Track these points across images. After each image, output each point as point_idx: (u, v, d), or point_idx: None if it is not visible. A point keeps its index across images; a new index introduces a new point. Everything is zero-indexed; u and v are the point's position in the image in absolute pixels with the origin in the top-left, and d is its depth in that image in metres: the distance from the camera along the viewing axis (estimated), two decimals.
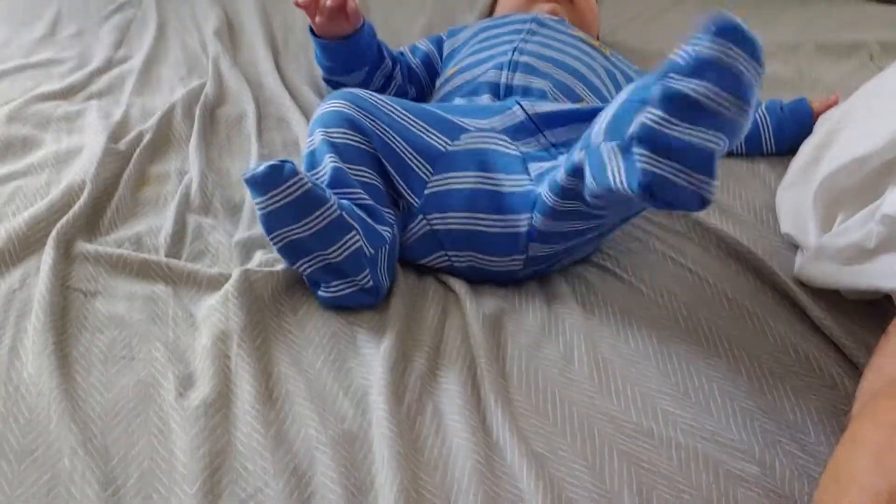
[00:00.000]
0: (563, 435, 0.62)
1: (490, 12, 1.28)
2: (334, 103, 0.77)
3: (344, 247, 0.69)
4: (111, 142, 0.90)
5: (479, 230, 0.74)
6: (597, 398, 0.65)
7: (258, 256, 0.76)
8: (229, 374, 0.64)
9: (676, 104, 0.55)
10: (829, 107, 1.00)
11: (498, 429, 0.61)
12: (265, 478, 0.56)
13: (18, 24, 1.22)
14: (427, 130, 0.78)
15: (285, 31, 1.26)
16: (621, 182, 0.58)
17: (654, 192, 0.56)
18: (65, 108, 0.99)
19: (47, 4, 1.28)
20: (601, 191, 0.62)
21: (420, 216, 0.76)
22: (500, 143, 0.78)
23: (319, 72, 1.07)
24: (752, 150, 1.00)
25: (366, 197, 0.73)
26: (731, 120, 0.56)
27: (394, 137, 0.76)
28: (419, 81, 1.07)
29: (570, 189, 0.67)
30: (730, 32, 0.55)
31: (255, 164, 0.90)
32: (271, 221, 0.68)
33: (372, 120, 0.76)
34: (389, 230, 0.73)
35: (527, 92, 0.87)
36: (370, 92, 0.80)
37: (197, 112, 0.99)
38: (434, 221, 0.75)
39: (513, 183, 0.75)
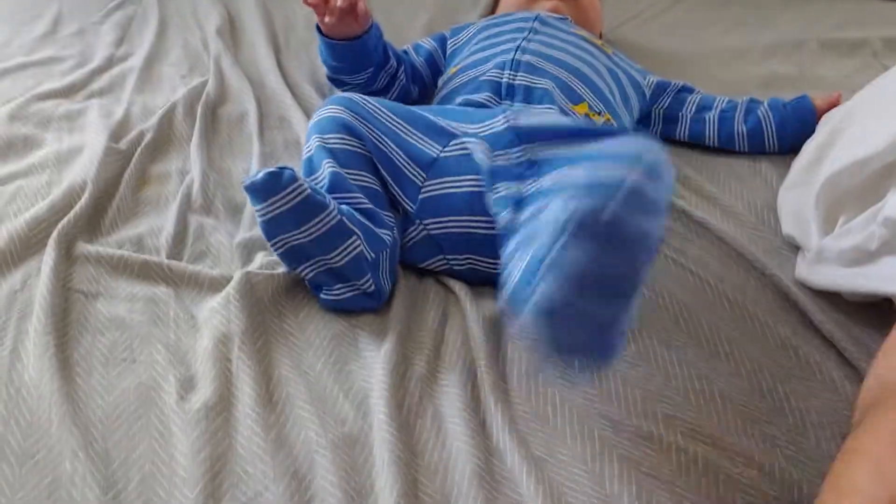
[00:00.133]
0: (562, 438, 0.62)
1: (493, 9, 1.27)
2: (330, 109, 0.78)
3: (345, 252, 0.69)
4: (112, 141, 0.90)
5: (477, 233, 0.74)
6: (597, 402, 0.65)
7: (259, 258, 0.76)
8: (230, 377, 0.64)
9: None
10: (831, 104, 0.99)
11: (498, 432, 0.61)
12: (265, 481, 0.56)
13: (20, 23, 1.21)
14: (418, 137, 0.78)
15: (287, 29, 1.25)
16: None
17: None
18: (66, 106, 0.99)
19: (49, 2, 1.28)
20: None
21: (416, 221, 0.76)
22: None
23: (321, 69, 1.07)
24: (755, 147, 1.00)
25: (365, 201, 0.73)
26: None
27: (387, 143, 0.77)
28: (422, 80, 1.07)
29: None
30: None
31: (255, 168, 0.90)
32: (271, 228, 0.68)
33: (366, 125, 0.77)
34: (390, 233, 0.73)
35: (528, 91, 0.87)
36: (364, 97, 0.80)
37: (199, 111, 0.99)
38: (431, 226, 0.76)
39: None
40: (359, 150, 0.76)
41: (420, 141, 0.78)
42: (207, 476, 0.56)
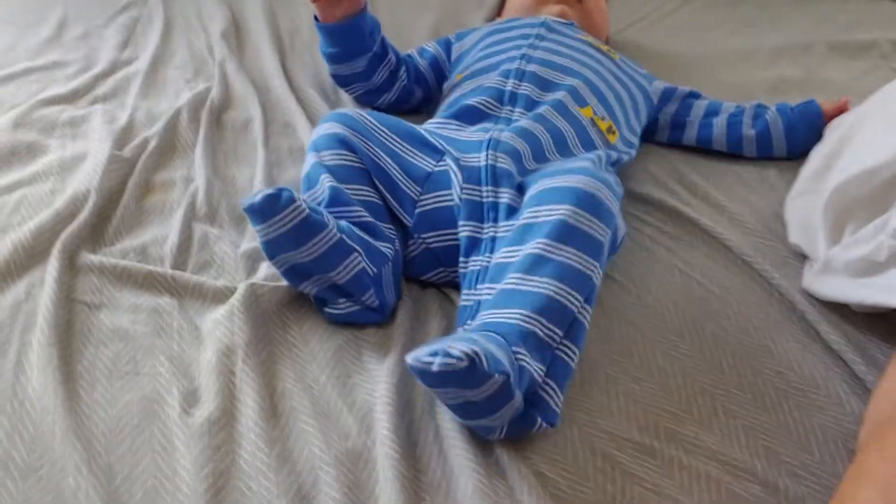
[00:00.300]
0: (563, 453, 0.61)
1: (499, 11, 1.27)
2: (326, 126, 0.78)
3: (346, 269, 0.69)
4: (116, 148, 0.90)
5: None
6: (598, 416, 0.65)
7: (264, 268, 0.76)
8: (233, 391, 0.64)
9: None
10: (838, 108, 0.99)
11: (499, 448, 0.61)
12: (269, 498, 0.56)
13: (25, 26, 1.21)
14: (413, 152, 0.79)
15: (292, 32, 1.25)
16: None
17: None
18: (70, 112, 0.99)
19: (53, 6, 1.28)
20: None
21: (415, 235, 0.76)
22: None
23: (326, 72, 1.07)
24: (764, 151, 1.00)
25: (365, 214, 0.73)
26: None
27: (383, 158, 0.77)
28: (426, 83, 1.06)
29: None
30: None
31: (259, 176, 0.90)
32: (272, 248, 0.68)
33: (363, 140, 0.77)
34: (391, 246, 0.73)
35: (531, 101, 0.87)
36: (360, 112, 0.80)
37: (203, 117, 0.99)
38: (429, 239, 0.76)
39: (508, 195, 0.74)
40: (356, 164, 0.76)
41: (415, 156, 0.78)
42: (210, 492, 0.56)
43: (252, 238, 0.81)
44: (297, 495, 0.57)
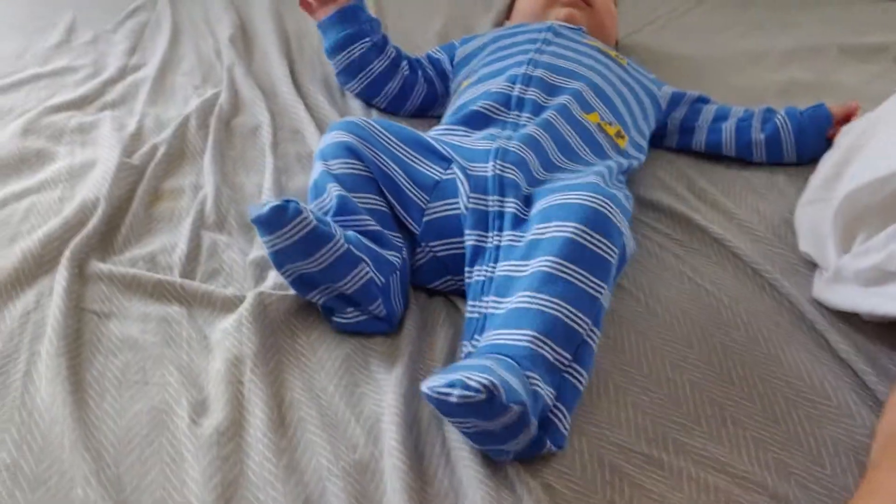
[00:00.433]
0: (571, 465, 0.61)
1: (507, 15, 1.27)
2: (334, 135, 0.78)
3: (354, 279, 0.69)
4: (125, 156, 0.90)
5: None
6: (607, 428, 0.64)
7: (272, 276, 0.76)
8: (242, 401, 0.64)
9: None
10: (847, 112, 0.99)
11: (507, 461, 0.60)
12: None
13: (34, 31, 1.22)
14: (420, 160, 0.79)
15: (299, 36, 1.25)
16: None
17: None
18: (78, 118, 0.99)
19: (63, 11, 1.28)
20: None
21: (422, 243, 0.76)
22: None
23: (333, 76, 1.07)
24: (773, 156, 0.99)
25: (372, 223, 0.73)
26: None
27: (391, 166, 0.77)
28: (428, 77, 1.08)
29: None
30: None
31: (268, 184, 0.90)
32: (280, 258, 0.68)
33: (370, 148, 0.77)
34: (398, 255, 0.73)
35: (538, 106, 0.87)
36: (368, 120, 0.80)
37: (212, 123, 0.99)
38: (436, 248, 0.76)
39: (514, 205, 0.74)
40: (363, 173, 0.76)
41: (422, 164, 0.78)
42: (219, 503, 0.56)
43: (260, 246, 0.81)
44: None
